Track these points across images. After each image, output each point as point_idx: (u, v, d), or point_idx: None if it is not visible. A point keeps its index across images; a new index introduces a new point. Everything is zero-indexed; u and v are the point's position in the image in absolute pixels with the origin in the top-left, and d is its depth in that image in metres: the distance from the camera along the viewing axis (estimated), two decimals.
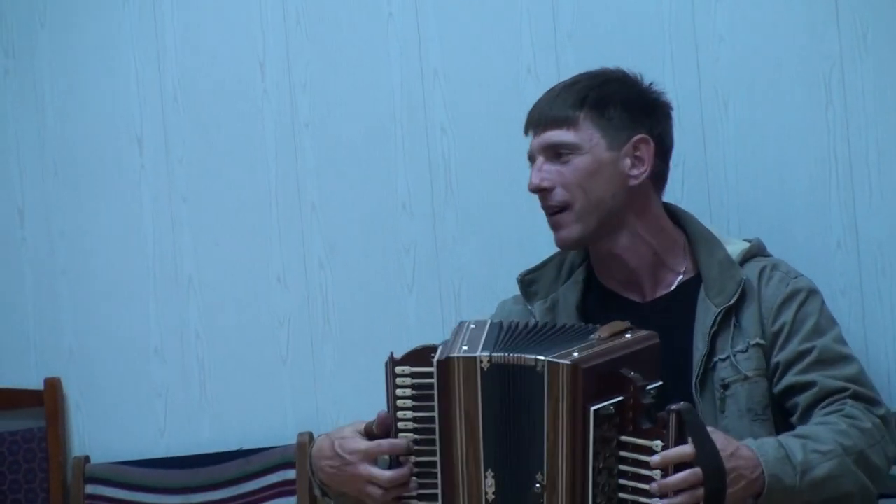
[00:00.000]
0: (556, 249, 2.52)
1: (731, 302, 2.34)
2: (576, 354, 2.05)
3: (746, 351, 2.33)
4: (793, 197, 2.72)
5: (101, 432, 3.16)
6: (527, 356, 2.08)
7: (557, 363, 2.03)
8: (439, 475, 2.13)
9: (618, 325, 2.16)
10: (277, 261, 3.06)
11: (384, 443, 2.16)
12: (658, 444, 2.02)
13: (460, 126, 2.94)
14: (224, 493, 3.03)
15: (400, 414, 2.14)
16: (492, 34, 2.91)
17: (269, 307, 3.06)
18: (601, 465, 2.04)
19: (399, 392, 2.14)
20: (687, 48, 2.78)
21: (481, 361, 2.09)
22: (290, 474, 2.98)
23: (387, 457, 2.17)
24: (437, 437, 2.12)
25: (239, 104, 3.07)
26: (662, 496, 2.01)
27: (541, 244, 2.80)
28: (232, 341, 3.08)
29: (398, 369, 2.14)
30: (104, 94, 3.16)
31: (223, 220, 3.09)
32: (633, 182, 2.38)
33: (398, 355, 2.15)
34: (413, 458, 2.15)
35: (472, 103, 2.93)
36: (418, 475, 2.15)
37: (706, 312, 2.35)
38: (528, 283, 2.51)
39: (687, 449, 2.02)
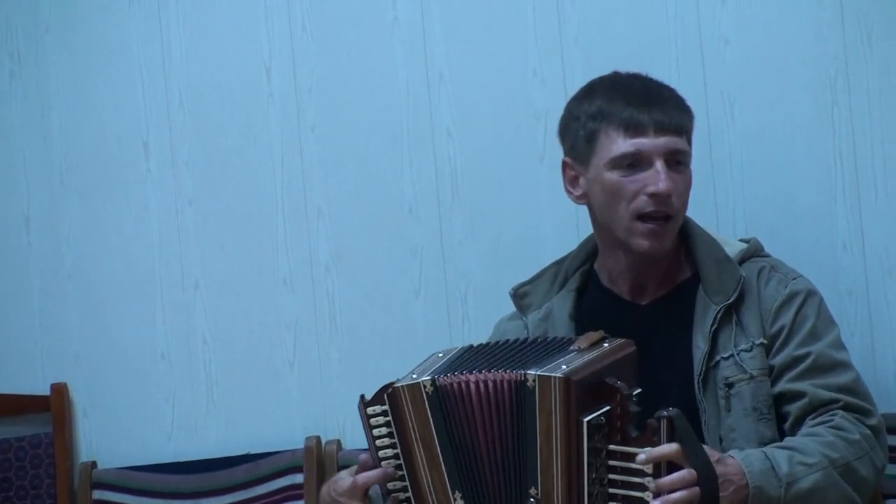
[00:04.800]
0: (562, 254, 2.53)
1: (731, 300, 2.34)
2: (564, 367, 2.06)
3: (751, 350, 2.33)
4: (798, 199, 2.72)
5: (108, 437, 3.16)
6: (505, 372, 2.10)
7: (549, 376, 2.04)
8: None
9: (593, 335, 2.17)
10: (284, 265, 3.06)
11: (370, 474, 2.19)
12: (648, 450, 2.03)
13: (466, 130, 2.94)
14: (232, 497, 3.03)
15: (381, 453, 2.16)
16: (497, 38, 2.92)
17: (275, 311, 3.06)
18: (594, 476, 2.05)
19: (375, 432, 2.16)
20: (692, 51, 2.78)
21: (424, 386, 2.11)
22: (298, 478, 2.98)
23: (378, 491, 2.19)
24: (402, 467, 2.14)
25: (245, 109, 3.08)
26: (658, 495, 2.02)
27: (547, 247, 2.81)
28: (239, 346, 3.09)
29: (369, 410, 2.16)
30: (110, 99, 3.16)
31: (229, 225, 3.10)
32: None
33: (368, 396, 2.18)
34: (400, 484, 2.16)
35: (478, 107, 2.93)
36: None
37: (706, 311, 2.35)
38: (522, 295, 2.51)
39: (673, 447, 2.03)
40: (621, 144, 2.34)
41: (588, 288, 2.48)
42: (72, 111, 3.18)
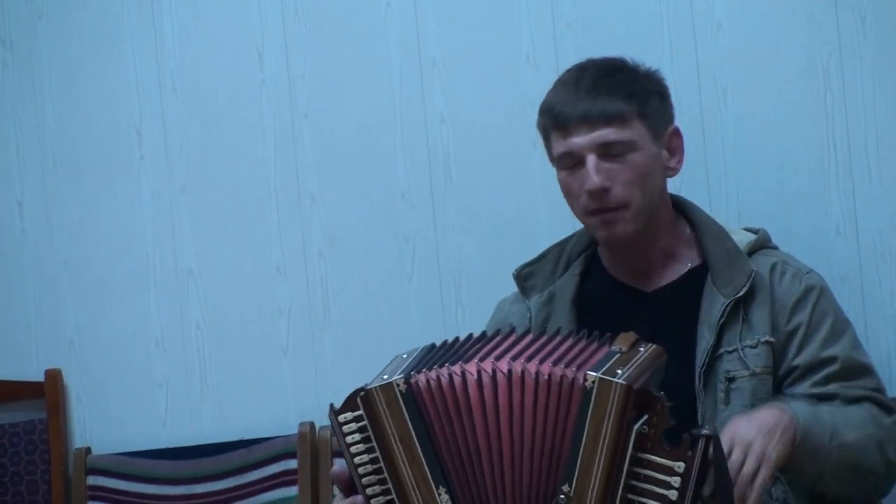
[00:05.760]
0: (556, 240, 2.52)
1: (741, 294, 2.32)
2: (619, 371, 2.01)
3: (756, 347, 2.31)
4: (792, 184, 2.72)
5: (102, 423, 3.16)
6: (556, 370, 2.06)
7: (610, 381, 1.99)
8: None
9: (629, 336, 2.11)
10: (277, 251, 3.06)
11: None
12: (681, 465, 1.99)
13: (459, 116, 2.94)
14: (226, 483, 3.03)
15: (357, 460, 2.12)
16: (490, 23, 2.91)
17: (269, 298, 3.06)
18: (629, 483, 2.03)
19: (349, 439, 2.12)
20: (685, 36, 2.78)
21: (398, 385, 2.09)
22: (292, 464, 2.99)
23: None
24: (383, 470, 2.11)
25: (238, 95, 3.07)
26: None
27: (540, 233, 2.81)
28: (232, 332, 3.09)
29: (341, 418, 2.13)
30: (103, 86, 3.16)
31: (223, 211, 3.09)
32: (671, 174, 2.38)
33: (337, 405, 2.14)
34: (380, 488, 2.14)
35: (471, 93, 2.93)
36: None
37: (713, 302, 2.33)
38: (525, 276, 2.49)
39: None
40: (559, 145, 2.34)
41: (591, 273, 2.47)
42: (65, 98, 3.18)
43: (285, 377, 3.05)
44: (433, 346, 2.19)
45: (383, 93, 2.98)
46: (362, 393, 2.11)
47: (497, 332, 2.19)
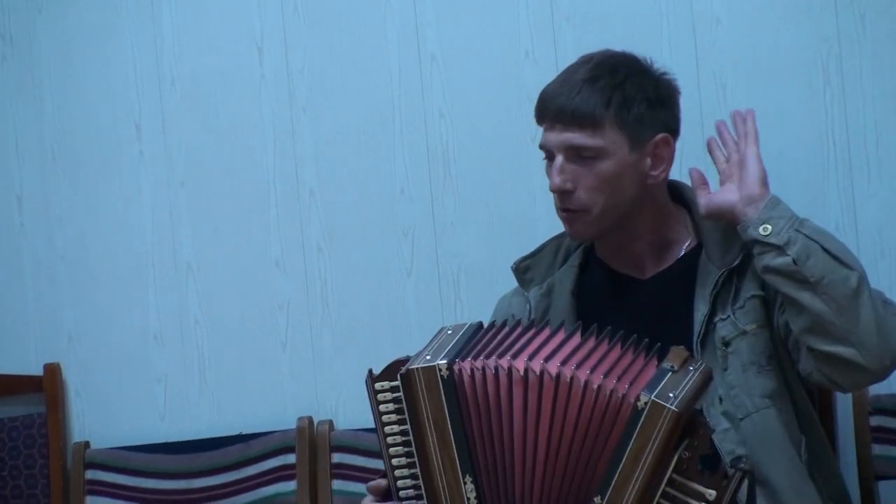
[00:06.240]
0: (555, 233, 2.52)
1: (735, 264, 2.33)
2: (671, 395, 2.00)
3: (744, 306, 2.32)
4: (791, 179, 2.71)
5: (100, 418, 3.16)
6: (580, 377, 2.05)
7: (663, 406, 1.98)
8: (422, 485, 2.12)
9: (680, 352, 2.10)
10: (276, 246, 3.06)
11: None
12: (712, 493, 2.00)
13: (458, 110, 2.94)
14: (224, 477, 3.03)
15: (387, 429, 2.13)
16: (489, 18, 2.91)
17: (268, 292, 3.06)
18: (660, 503, 2.03)
19: (382, 408, 2.14)
20: (685, 31, 2.78)
21: (440, 370, 2.09)
22: (290, 458, 2.99)
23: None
24: (411, 444, 2.11)
25: (237, 89, 3.07)
26: None
27: (539, 228, 2.81)
28: (231, 327, 3.09)
29: (378, 385, 2.14)
30: (102, 80, 3.16)
31: (221, 206, 3.09)
32: (652, 181, 2.36)
33: (377, 371, 2.15)
34: (409, 471, 2.15)
35: (470, 88, 2.93)
36: (413, 487, 2.14)
37: (707, 275, 2.34)
38: (524, 269, 2.49)
39: None
40: (541, 136, 2.36)
41: (589, 264, 2.47)
42: (64, 92, 3.18)
43: (284, 372, 3.05)
44: (480, 325, 2.18)
45: (382, 88, 2.98)
46: (403, 370, 2.11)
47: (546, 325, 2.18)
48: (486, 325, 2.19)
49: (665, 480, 2.00)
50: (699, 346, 2.31)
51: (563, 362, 2.06)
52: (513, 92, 2.88)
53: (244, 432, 3.05)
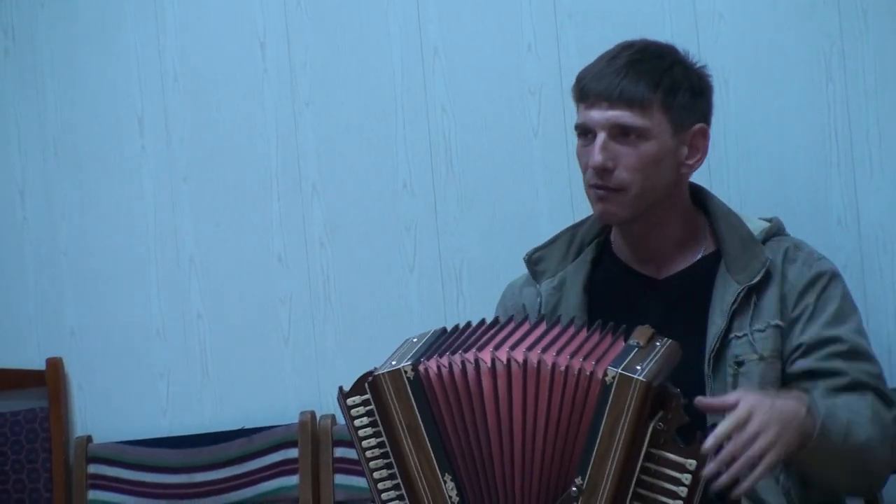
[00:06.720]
0: (558, 228, 2.51)
1: (755, 280, 2.31)
2: (638, 367, 2.02)
3: (765, 331, 2.30)
4: (793, 174, 2.72)
5: (103, 412, 3.16)
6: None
7: (630, 377, 2.00)
8: (404, 492, 2.13)
9: (645, 330, 2.12)
10: (278, 241, 3.06)
11: None
12: (693, 462, 2.01)
13: (461, 105, 2.94)
14: (226, 471, 3.03)
15: (365, 444, 2.14)
16: (491, 13, 2.91)
17: (270, 287, 3.06)
18: (642, 478, 2.03)
19: (357, 423, 2.14)
20: (687, 26, 2.78)
21: (405, 372, 2.09)
22: (293, 453, 2.99)
23: None
24: (389, 455, 2.12)
25: (239, 84, 3.07)
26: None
27: (542, 223, 2.81)
28: (233, 321, 3.09)
29: (349, 401, 2.15)
30: (104, 75, 3.16)
31: (224, 201, 3.10)
32: (685, 171, 2.36)
33: (346, 388, 2.16)
34: (387, 472, 2.15)
35: (473, 82, 2.93)
36: (397, 497, 2.14)
37: (726, 288, 2.33)
38: (536, 261, 2.47)
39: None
40: (579, 114, 2.36)
41: (603, 260, 2.46)
42: (66, 87, 3.18)
43: (286, 366, 3.06)
44: (444, 330, 2.19)
45: (385, 82, 2.98)
46: (370, 378, 2.11)
47: (510, 320, 2.19)
48: (468, 323, 2.20)
49: (643, 454, 2.01)
50: (712, 361, 2.30)
51: (530, 349, 2.07)
52: (515, 87, 2.88)
53: (246, 427, 3.05)
